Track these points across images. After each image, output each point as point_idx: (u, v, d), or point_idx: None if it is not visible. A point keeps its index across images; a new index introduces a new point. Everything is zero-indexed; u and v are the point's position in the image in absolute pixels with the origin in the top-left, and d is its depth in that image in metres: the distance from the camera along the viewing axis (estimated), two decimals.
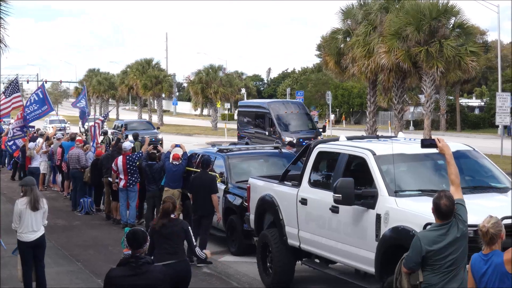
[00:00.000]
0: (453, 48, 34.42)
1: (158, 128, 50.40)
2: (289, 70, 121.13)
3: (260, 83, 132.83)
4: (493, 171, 10.99)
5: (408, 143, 11.60)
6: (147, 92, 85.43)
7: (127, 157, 18.70)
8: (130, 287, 6.90)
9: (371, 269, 9.96)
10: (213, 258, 15.22)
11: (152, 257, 8.57)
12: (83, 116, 29.70)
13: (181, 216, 18.50)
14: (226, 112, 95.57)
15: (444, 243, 7.22)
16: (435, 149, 8.10)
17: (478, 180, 10.61)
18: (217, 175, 16.57)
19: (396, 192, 9.89)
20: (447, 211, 7.27)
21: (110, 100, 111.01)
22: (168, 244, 9.58)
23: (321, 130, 37.53)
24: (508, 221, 8.17)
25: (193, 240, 10.03)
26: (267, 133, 36.10)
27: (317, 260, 12.02)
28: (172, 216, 9.82)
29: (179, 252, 9.69)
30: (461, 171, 8.09)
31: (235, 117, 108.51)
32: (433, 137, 8.42)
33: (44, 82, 27.84)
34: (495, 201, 9.76)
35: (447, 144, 8.04)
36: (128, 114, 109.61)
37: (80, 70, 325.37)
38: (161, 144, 36.76)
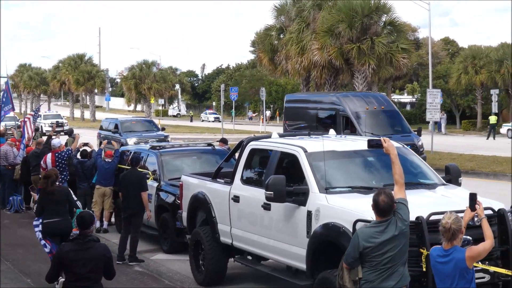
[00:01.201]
0: (385, 45, 34.95)
1: (163, 129, 39.94)
2: (223, 66, 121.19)
3: (195, 79, 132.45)
4: (422, 167, 11.16)
5: (339, 140, 11.71)
6: (79, 87, 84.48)
7: (56, 154, 18.30)
8: (76, 260, 7.92)
9: (303, 266, 10.00)
10: (145, 256, 15.10)
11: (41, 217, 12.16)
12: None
13: (113, 216, 18.31)
14: (160, 108, 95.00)
15: (381, 240, 7.27)
16: (381, 149, 8.22)
17: (406, 176, 10.72)
18: (149, 172, 16.44)
19: (327, 189, 9.94)
20: (385, 207, 7.34)
21: (41, 95, 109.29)
22: (55, 206, 12.09)
23: (416, 133, 28.54)
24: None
25: (74, 200, 13.17)
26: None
27: (249, 257, 12.01)
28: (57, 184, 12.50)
29: (63, 213, 12.21)
30: (390, 168, 8.18)
31: (169, 113, 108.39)
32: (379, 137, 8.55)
33: None
34: (423, 197, 9.91)
35: (393, 144, 8.18)
36: (60, 110, 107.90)
37: (11, 64, 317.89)
38: None
